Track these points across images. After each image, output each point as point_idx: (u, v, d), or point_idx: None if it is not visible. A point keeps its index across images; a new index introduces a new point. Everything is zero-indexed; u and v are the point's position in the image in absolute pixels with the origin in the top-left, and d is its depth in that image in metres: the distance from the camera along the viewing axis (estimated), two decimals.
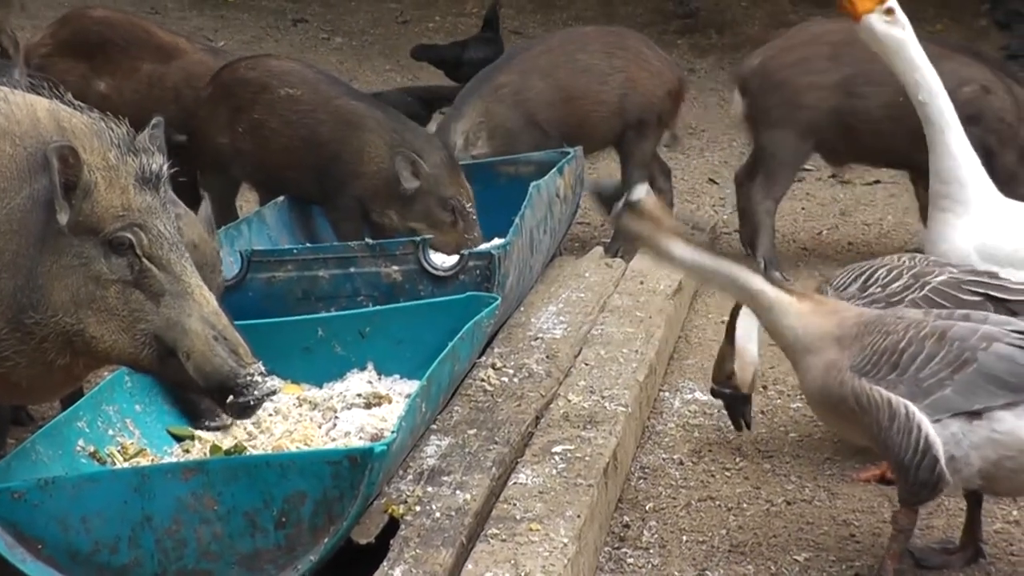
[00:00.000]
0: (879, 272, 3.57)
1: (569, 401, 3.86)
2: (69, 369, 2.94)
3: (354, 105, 5.12)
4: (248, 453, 3.39)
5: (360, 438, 3.49)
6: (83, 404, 3.42)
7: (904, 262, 3.59)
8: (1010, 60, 8.40)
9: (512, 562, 2.92)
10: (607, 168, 6.97)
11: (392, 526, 3.09)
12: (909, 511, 3.10)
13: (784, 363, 4.25)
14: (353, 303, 4.28)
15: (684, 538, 3.42)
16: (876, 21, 3.97)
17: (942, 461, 3.00)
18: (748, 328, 3.68)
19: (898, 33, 3.98)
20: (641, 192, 3.25)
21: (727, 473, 3.78)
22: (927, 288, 3.50)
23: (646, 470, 3.82)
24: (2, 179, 2.84)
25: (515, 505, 3.20)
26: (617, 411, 3.80)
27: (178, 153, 3.02)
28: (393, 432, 3.13)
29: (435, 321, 3.86)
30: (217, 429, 3.55)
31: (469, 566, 2.92)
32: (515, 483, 3.33)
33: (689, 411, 4.21)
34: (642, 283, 4.97)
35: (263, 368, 2.93)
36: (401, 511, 3.12)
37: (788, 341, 3.22)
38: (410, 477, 3.32)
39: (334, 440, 3.50)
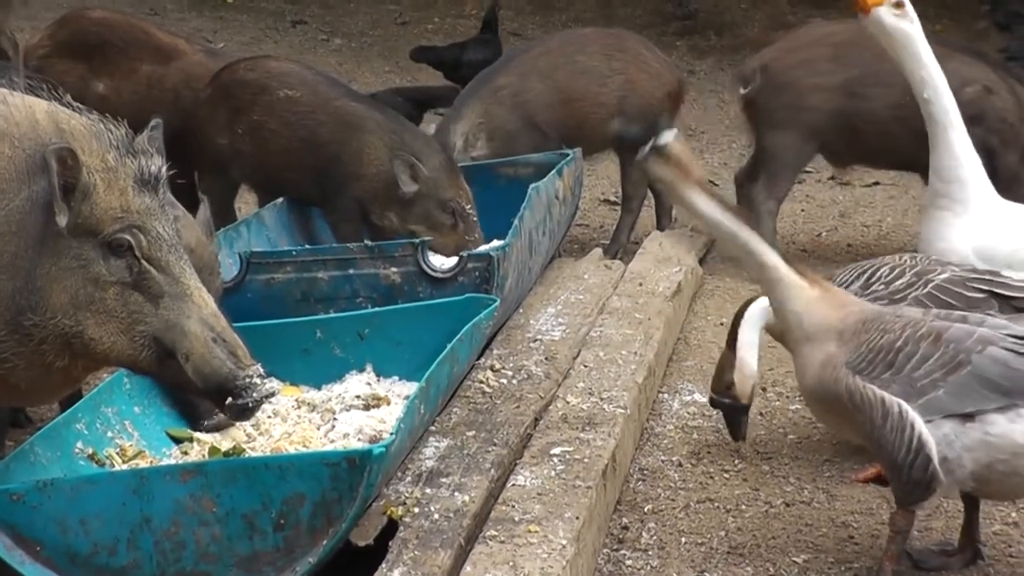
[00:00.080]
0: (881, 270, 3.58)
1: (568, 403, 3.86)
2: (68, 371, 2.94)
3: (353, 107, 5.12)
4: (247, 455, 3.39)
5: (359, 440, 3.49)
6: (82, 406, 3.42)
7: (906, 261, 3.59)
8: (1010, 62, 8.39)
9: (511, 564, 2.92)
10: (606, 170, 6.97)
11: (391, 528, 3.09)
12: (906, 512, 3.10)
13: (783, 365, 4.26)
14: (352, 305, 4.28)
15: (683, 540, 3.42)
16: (885, 14, 3.97)
17: (935, 460, 3.00)
18: (749, 338, 3.67)
19: (907, 27, 3.97)
20: (669, 136, 3.20)
21: (726, 475, 3.78)
22: (931, 285, 3.50)
23: (645, 472, 3.82)
24: (1, 181, 2.84)
25: (514, 507, 3.20)
26: (616, 413, 3.80)
27: (177, 155, 3.02)
28: (392, 434, 3.13)
29: (434, 323, 3.85)
30: (216, 429, 3.54)
31: (468, 568, 2.92)
32: (514, 485, 3.33)
33: (688, 413, 4.21)
34: (641, 285, 4.97)
35: (262, 370, 2.93)
36: (400, 513, 3.12)
37: (790, 324, 3.20)
38: (409, 479, 3.32)
39: (333, 442, 3.50)
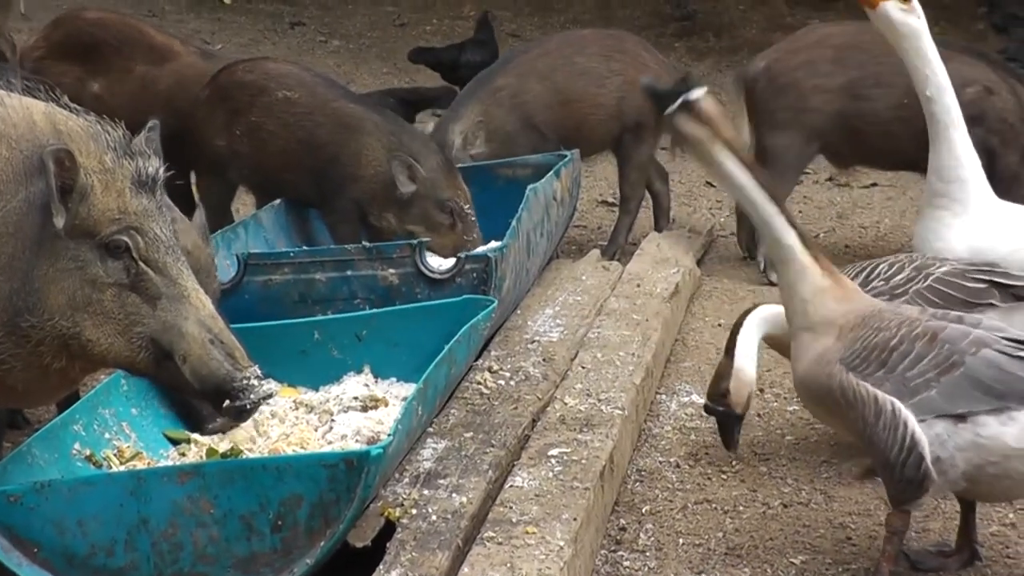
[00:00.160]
0: (880, 267, 3.58)
1: (565, 404, 3.86)
2: (65, 372, 2.94)
3: (352, 108, 5.12)
4: (244, 456, 3.39)
5: (356, 441, 3.49)
6: (79, 407, 3.42)
7: (903, 258, 3.60)
8: (1008, 63, 8.41)
9: (508, 565, 2.92)
10: (604, 171, 6.98)
11: (388, 529, 3.09)
12: (902, 513, 3.10)
13: (781, 366, 4.26)
14: (350, 306, 4.28)
15: (680, 541, 3.42)
16: (892, 9, 3.96)
17: (928, 459, 2.99)
18: (748, 346, 3.67)
19: (914, 22, 3.97)
20: (700, 92, 3.12)
21: (723, 476, 3.78)
22: (931, 279, 3.50)
23: (642, 473, 3.82)
24: None
25: (511, 508, 3.20)
26: (613, 414, 3.80)
27: (171, 157, 3.02)
28: (389, 435, 3.13)
29: (431, 324, 3.85)
30: (220, 431, 3.54)
31: (465, 569, 2.92)
32: (511, 486, 3.33)
33: (686, 414, 4.21)
34: (639, 286, 4.97)
35: (259, 371, 2.93)
36: (397, 514, 3.12)
37: (793, 309, 3.17)
38: (406, 480, 3.32)
39: (330, 443, 3.50)
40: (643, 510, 3.59)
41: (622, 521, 3.53)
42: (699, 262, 5.78)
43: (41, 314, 2.84)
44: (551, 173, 5.18)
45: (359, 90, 7.14)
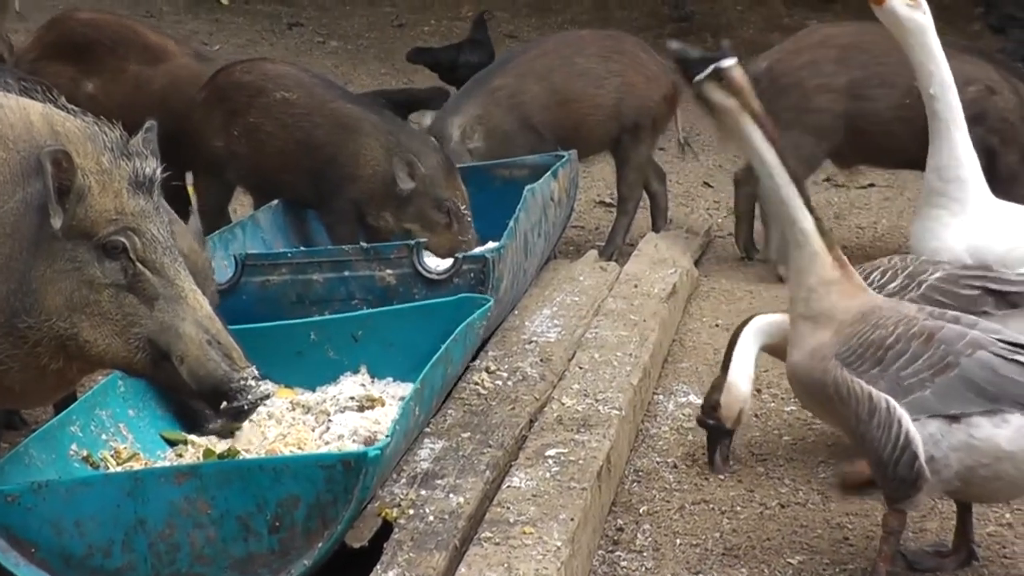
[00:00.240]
0: (873, 275, 3.57)
1: (563, 404, 3.87)
2: (62, 373, 2.94)
3: (350, 108, 5.13)
4: (241, 457, 3.39)
5: (353, 441, 3.50)
6: (76, 408, 3.42)
7: (896, 263, 3.58)
8: None
9: (505, 565, 2.92)
10: (602, 172, 6.98)
11: (385, 530, 3.09)
12: (898, 513, 3.09)
13: (778, 367, 4.25)
14: (347, 307, 4.28)
15: (678, 541, 3.42)
16: (899, 5, 3.96)
17: (921, 458, 2.99)
18: (743, 362, 3.67)
19: (920, 18, 3.97)
20: (732, 61, 3.06)
21: (721, 476, 3.78)
22: (924, 286, 3.50)
23: (640, 473, 3.82)
24: None
25: (508, 508, 3.20)
26: (611, 414, 3.80)
27: (165, 157, 3.02)
28: (387, 436, 3.13)
29: (427, 323, 3.86)
30: (219, 433, 3.54)
31: (462, 569, 2.92)
32: (509, 486, 3.33)
33: (683, 414, 4.21)
34: (636, 286, 4.97)
35: (256, 372, 2.93)
36: (394, 514, 3.12)
37: (798, 295, 3.15)
38: (403, 480, 3.32)
39: (327, 444, 3.50)
40: (640, 510, 3.59)
41: (619, 521, 3.53)
42: (697, 263, 5.79)
43: (38, 315, 2.84)
44: (549, 174, 5.18)
45: (357, 91, 7.14)
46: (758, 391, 4.33)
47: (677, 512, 3.58)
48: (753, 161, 3.14)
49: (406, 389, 3.64)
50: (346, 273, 4.34)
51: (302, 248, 4.91)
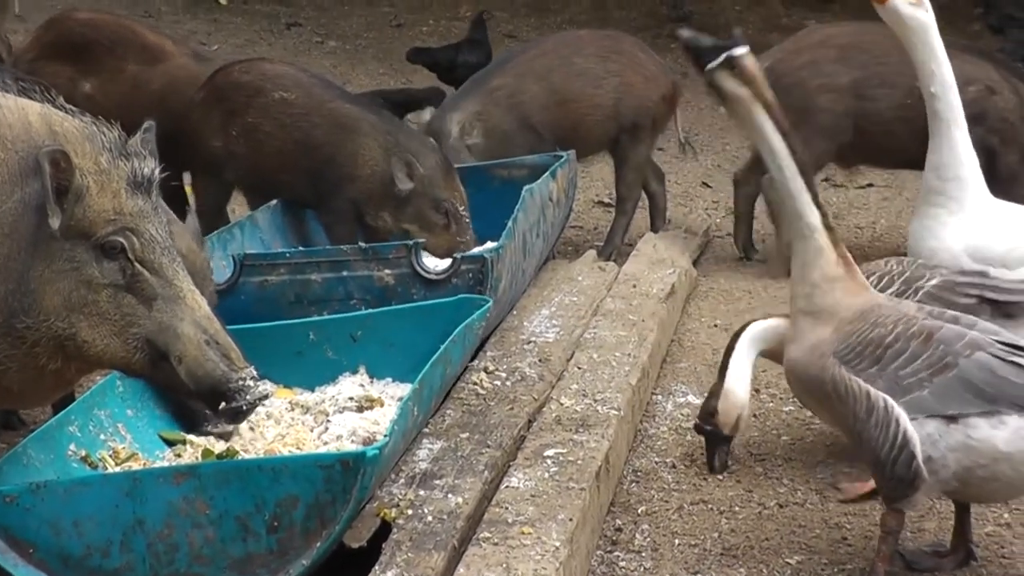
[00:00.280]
0: (870, 280, 3.56)
1: (562, 404, 3.87)
2: (60, 373, 2.94)
3: (348, 108, 5.13)
4: (240, 457, 3.38)
5: (352, 442, 3.49)
6: (75, 408, 3.42)
7: (892, 267, 3.57)
8: None
9: (504, 566, 2.92)
10: (600, 172, 6.98)
11: (384, 530, 3.09)
12: (896, 513, 3.09)
13: (776, 367, 4.26)
14: (346, 307, 4.28)
15: (676, 541, 3.42)
16: (902, 3, 3.95)
17: (919, 458, 2.98)
18: (740, 368, 3.67)
19: (923, 16, 3.96)
20: (744, 49, 3.04)
21: (719, 476, 3.78)
22: (920, 293, 3.49)
23: (638, 473, 3.82)
24: None
25: (507, 508, 3.20)
26: (609, 414, 3.80)
27: (162, 158, 3.02)
28: (385, 436, 3.13)
29: (427, 324, 3.86)
30: (220, 434, 3.54)
31: (461, 570, 2.92)
32: (507, 487, 3.33)
33: (682, 415, 4.21)
34: (635, 287, 4.97)
35: (255, 372, 2.93)
36: (393, 515, 3.12)
37: (801, 289, 3.14)
38: (402, 481, 3.32)
39: (326, 444, 3.50)
40: (639, 510, 3.59)
41: (618, 521, 3.53)
42: (695, 263, 5.79)
43: (37, 315, 2.84)
44: (547, 174, 5.18)
45: (355, 91, 7.14)
46: (756, 391, 4.33)
47: (675, 512, 3.58)
48: (763, 152, 3.12)
49: (405, 390, 3.63)
50: (344, 273, 4.34)
51: (300, 248, 4.91)
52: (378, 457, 2.99)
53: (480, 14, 8.69)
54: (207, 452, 3.44)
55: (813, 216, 3.10)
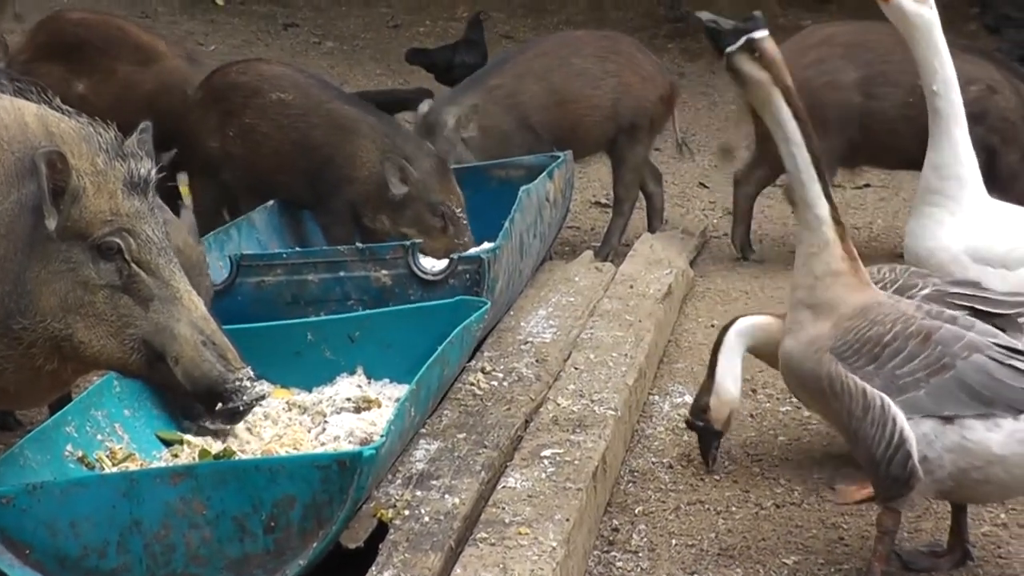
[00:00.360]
0: None
1: (558, 405, 3.87)
2: (57, 374, 2.94)
3: (346, 110, 5.13)
4: (237, 457, 3.38)
5: (349, 442, 3.49)
6: (71, 409, 3.42)
7: (885, 274, 3.55)
8: None
9: (501, 566, 2.92)
10: (597, 172, 6.98)
11: (381, 530, 3.09)
12: (892, 513, 3.09)
13: (772, 368, 4.26)
14: (343, 307, 4.28)
15: (673, 542, 3.43)
16: (905, 0, 3.95)
17: (915, 457, 2.98)
18: (729, 364, 3.67)
19: (926, 13, 3.95)
20: (764, 32, 3.01)
21: (716, 477, 3.78)
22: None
23: (635, 474, 3.82)
24: None
25: (504, 509, 3.20)
26: (606, 415, 3.80)
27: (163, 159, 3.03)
28: (382, 436, 3.13)
29: (424, 325, 3.86)
30: (216, 433, 3.53)
31: (458, 570, 2.92)
32: (504, 487, 3.33)
33: (679, 415, 4.21)
34: (632, 287, 4.97)
35: (252, 373, 2.93)
36: (390, 515, 3.12)
37: (803, 280, 3.12)
38: (399, 481, 3.32)
39: (323, 444, 3.50)
40: (636, 511, 3.60)
41: (615, 522, 3.53)
42: (692, 263, 5.79)
43: (33, 316, 2.84)
44: (544, 174, 5.18)
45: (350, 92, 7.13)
46: (753, 391, 4.34)
47: (672, 512, 3.58)
48: (777, 138, 3.10)
49: (402, 390, 3.63)
50: (341, 274, 4.34)
51: (297, 249, 4.91)
52: (375, 457, 2.99)
53: (477, 15, 8.70)
54: (204, 452, 3.44)
55: (822, 208, 3.09)
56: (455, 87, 6.03)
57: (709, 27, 3.03)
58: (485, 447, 3.53)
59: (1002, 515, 3.54)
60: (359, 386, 3.83)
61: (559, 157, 5.46)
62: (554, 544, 3.03)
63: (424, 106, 5.83)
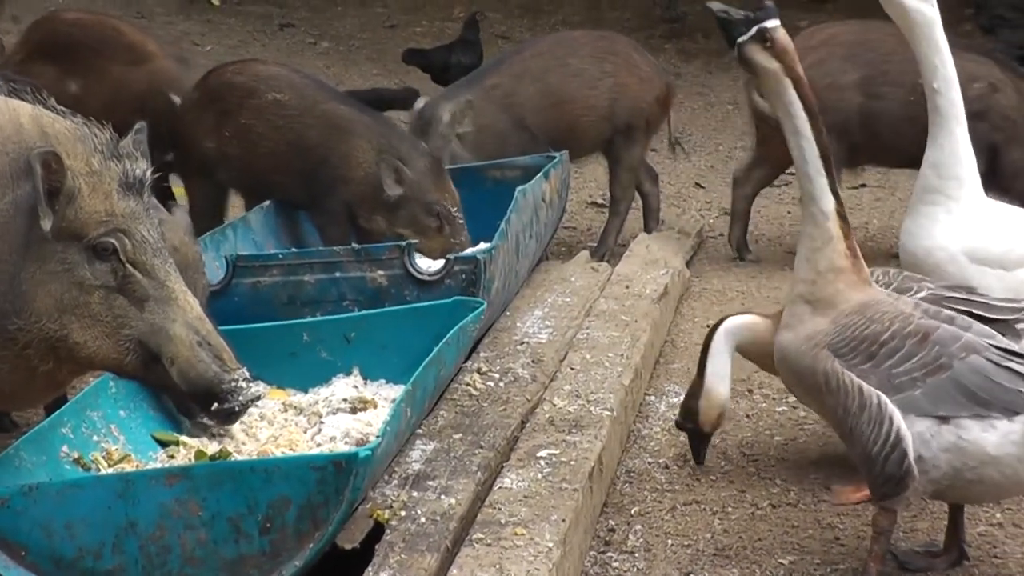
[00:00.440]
0: None
1: (555, 405, 3.87)
2: (52, 375, 2.94)
3: (342, 110, 5.12)
4: (233, 458, 3.38)
5: (345, 443, 3.49)
6: (67, 410, 3.41)
7: (879, 278, 3.55)
8: None
9: (497, 567, 2.92)
10: (593, 172, 6.98)
11: (377, 531, 3.08)
12: (888, 512, 3.09)
13: (759, 367, 4.26)
14: (339, 308, 4.28)
15: (669, 542, 3.43)
16: None
17: (911, 456, 2.98)
18: (719, 366, 3.67)
19: (927, 10, 3.95)
20: (775, 22, 3.00)
21: (712, 477, 3.79)
22: None
23: (631, 474, 3.82)
24: None
25: (500, 509, 3.20)
26: (603, 415, 3.80)
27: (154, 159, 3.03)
28: (378, 437, 3.13)
29: (421, 326, 3.85)
30: (213, 433, 3.53)
31: (454, 571, 2.92)
32: (500, 487, 3.33)
33: (675, 415, 4.19)
34: (628, 287, 4.98)
35: (247, 373, 2.93)
36: (386, 516, 3.12)
37: (805, 275, 3.11)
38: (395, 482, 3.32)
39: (319, 445, 3.50)
40: (632, 511, 3.60)
41: (611, 522, 3.53)
42: (688, 263, 5.79)
43: (28, 317, 2.84)
44: (540, 175, 5.19)
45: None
46: (749, 391, 4.34)
47: (668, 513, 3.58)
48: (787, 131, 3.08)
49: (398, 391, 3.63)
50: (337, 274, 4.33)
51: (293, 249, 4.90)
52: (371, 458, 2.99)
53: (473, 15, 8.70)
54: (200, 453, 3.43)
55: (828, 203, 3.08)
56: (451, 85, 6.03)
57: (720, 17, 3.04)
58: (481, 448, 3.53)
59: (998, 515, 3.54)
60: (355, 387, 3.83)
61: (555, 157, 5.46)
62: (550, 545, 3.03)
63: (419, 103, 5.83)
